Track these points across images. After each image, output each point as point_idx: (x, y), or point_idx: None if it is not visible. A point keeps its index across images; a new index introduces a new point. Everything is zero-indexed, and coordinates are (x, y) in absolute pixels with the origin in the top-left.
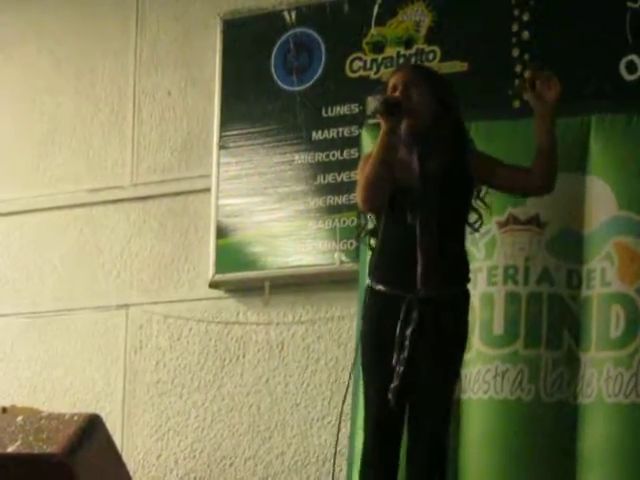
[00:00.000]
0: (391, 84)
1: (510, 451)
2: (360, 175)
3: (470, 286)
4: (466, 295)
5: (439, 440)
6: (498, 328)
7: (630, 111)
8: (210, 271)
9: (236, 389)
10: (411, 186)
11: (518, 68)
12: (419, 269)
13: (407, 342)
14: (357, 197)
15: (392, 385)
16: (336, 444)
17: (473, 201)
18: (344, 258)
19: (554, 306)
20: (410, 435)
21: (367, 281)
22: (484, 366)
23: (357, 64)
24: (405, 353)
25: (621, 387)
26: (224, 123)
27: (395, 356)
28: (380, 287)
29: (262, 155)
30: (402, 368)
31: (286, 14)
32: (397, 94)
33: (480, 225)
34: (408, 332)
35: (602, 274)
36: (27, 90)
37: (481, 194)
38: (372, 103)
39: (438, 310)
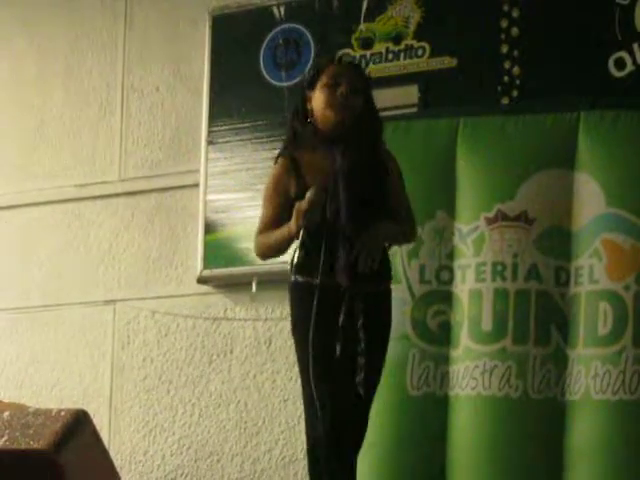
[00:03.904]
0: (332, 73)
1: (498, 447)
2: (266, 205)
3: (459, 282)
4: (390, 290)
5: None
6: (486, 325)
7: (619, 108)
8: (198, 267)
9: (224, 385)
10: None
11: (507, 64)
12: (343, 263)
13: (361, 334)
14: (255, 248)
15: (358, 378)
16: None
17: None
18: None
19: (542, 303)
20: None
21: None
22: (472, 362)
23: (346, 60)
24: (362, 344)
25: (608, 384)
26: (212, 118)
27: (339, 347)
28: (316, 280)
29: (250, 150)
30: (363, 359)
31: (275, 10)
32: (341, 89)
33: None
34: (359, 324)
35: (590, 271)
36: (15, 85)
37: None
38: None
39: (374, 303)
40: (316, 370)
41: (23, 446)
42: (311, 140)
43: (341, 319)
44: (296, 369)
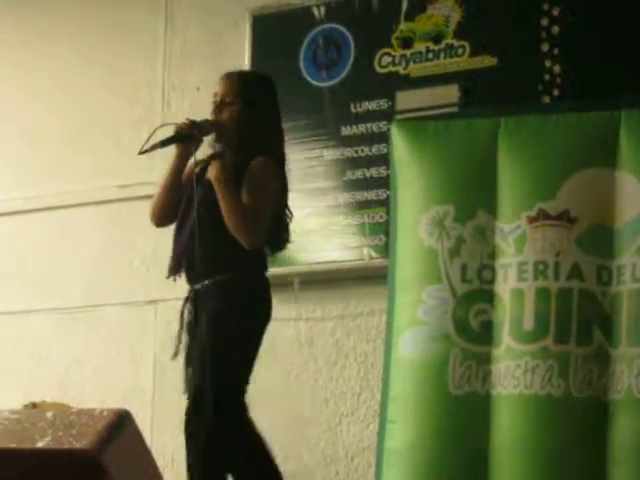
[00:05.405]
0: (214, 92)
1: (540, 446)
2: None
3: (501, 281)
4: (229, 282)
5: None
6: (528, 324)
7: None
8: None
9: (265, 385)
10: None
11: (548, 63)
12: (182, 264)
13: (182, 335)
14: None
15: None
16: None
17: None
18: (373, 254)
19: (584, 302)
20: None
21: None
22: (514, 361)
23: (386, 59)
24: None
25: None
26: None
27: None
28: None
29: (291, 151)
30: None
31: (315, 10)
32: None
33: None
34: (184, 323)
35: (632, 270)
36: (56, 86)
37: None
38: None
39: (204, 298)
40: None
41: (66, 446)
42: None
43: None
44: (338, 368)
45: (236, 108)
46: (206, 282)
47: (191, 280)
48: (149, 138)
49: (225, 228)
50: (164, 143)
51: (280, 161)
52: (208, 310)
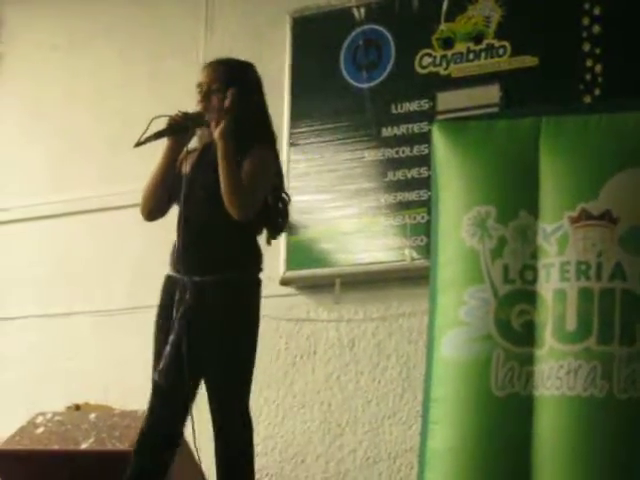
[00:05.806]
0: (198, 82)
1: (582, 447)
2: None
3: (543, 281)
4: (240, 280)
5: (231, 420)
6: (571, 324)
7: None
8: (281, 268)
9: (307, 386)
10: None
11: (589, 62)
12: (184, 254)
13: (176, 324)
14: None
15: (160, 366)
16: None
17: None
18: (415, 255)
19: (627, 302)
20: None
21: None
22: (557, 362)
23: (427, 60)
24: (173, 335)
25: None
26: (294, 120)
27: (163, 337)
28: (169, 272)
29: (332, 152)
30: (169, 349)
31: (355, 11)
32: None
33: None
34: (179, 314)
35: None
36: (98, 90)
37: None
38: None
39: (208, 293)
40: (154, 362)
41: (109, 447)
42: None
43: (174, 311)
44: (379, 370)
45: (223, 95)
46: (207, 278)
47: (190, 272)
48: (145, 130)
49: (229, 224)
50: (158, 135)
51: (273, 145)
52: (210, 307)
